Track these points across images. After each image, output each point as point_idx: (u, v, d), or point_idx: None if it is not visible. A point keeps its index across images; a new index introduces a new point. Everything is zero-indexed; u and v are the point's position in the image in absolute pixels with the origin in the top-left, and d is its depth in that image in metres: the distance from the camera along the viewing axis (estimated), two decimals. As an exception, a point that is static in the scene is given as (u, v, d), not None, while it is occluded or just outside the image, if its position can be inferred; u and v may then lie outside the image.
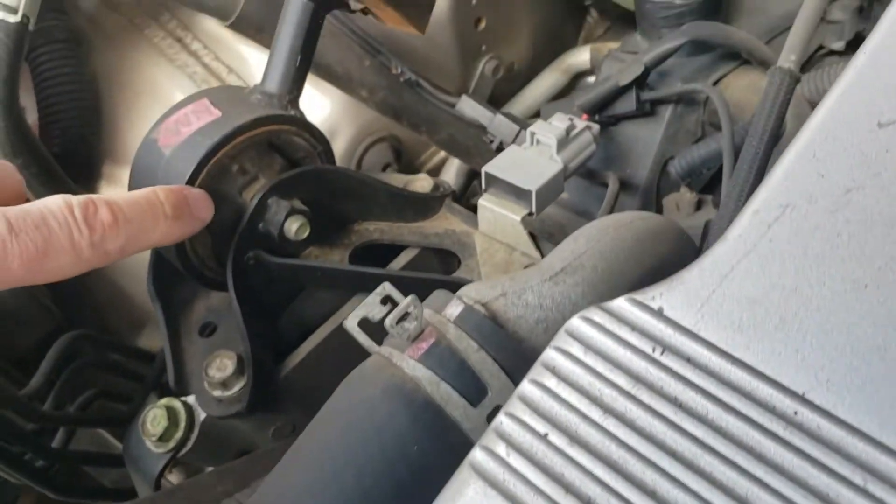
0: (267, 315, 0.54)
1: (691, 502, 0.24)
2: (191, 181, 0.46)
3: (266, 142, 0.50)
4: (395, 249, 0.56)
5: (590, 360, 0.29)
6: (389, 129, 0.76)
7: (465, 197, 0.80)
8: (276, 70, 0.51)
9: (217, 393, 0.52)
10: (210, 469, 0.54)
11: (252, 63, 0.73)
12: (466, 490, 0.28)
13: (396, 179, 0.57)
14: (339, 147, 0.75)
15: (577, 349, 0.29)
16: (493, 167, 0.51)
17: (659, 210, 0.57)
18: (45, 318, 0.63)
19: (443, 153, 0.82)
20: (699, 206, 0.55)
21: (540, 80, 0.81)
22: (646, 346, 0.28)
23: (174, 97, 0.72)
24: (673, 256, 0.40)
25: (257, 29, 0.59)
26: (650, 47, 0.54)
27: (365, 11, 0.51)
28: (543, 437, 0.28)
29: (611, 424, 0.27)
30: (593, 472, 0.26)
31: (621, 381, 0.28)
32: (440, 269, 0.58)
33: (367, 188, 0.53)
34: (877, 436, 0.24)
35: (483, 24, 0.75)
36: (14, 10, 0.52)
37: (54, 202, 0.35)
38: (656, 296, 0.29)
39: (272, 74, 0.51)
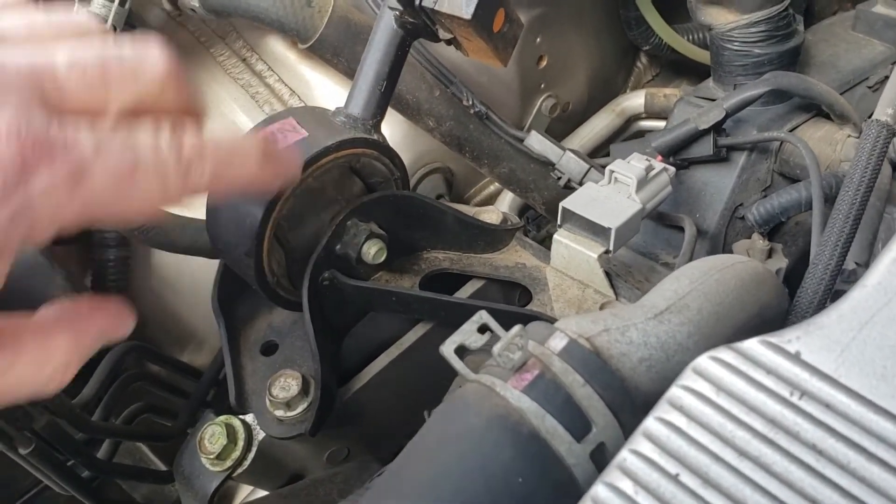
0: (334, 337, 0.53)
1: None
2: (274, 203, 0.46)
3: (348, 164, 0.50)
4: (462, 279, 0.56)
5: (722, 400, 0.28)
6: (444, 160, 0.76)
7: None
8: (361, 94, 0.51)
9: (280, 413, 0.51)
10: (271, 492, 0.53)
11: (314, 86, 0.73)
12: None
13: (466, 210, 0.57)
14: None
15: (707, 389, 0.28)
16: (571, 203, 0.50)
17: (728, 252, 0.56)
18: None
19: (492, 187, 0.82)
20: (770, 254, 0.54)
21: (595, 121, 0.82)
22: (783, 390, 0.27)
23: (236, 115, 0.72)
24: (772, 302, 0.39)
25: (334, 53, 0.59)
26: (730, 94, 0.54)
27: (450, 42, 0.51)
28: (674, 478, 0.27)
29: (746, 468, 0.26)
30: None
31: (756, 423, 0.27)
32: (504, 302, 0.57)
33: (442, 217, 0.53)
34: None
35: (544, 63, 0.75)
36: (105, 19, 0.52)
37: (143, 127, 0.31)
38: (793, 339, 0.28)
39: (357, 98, 0.51)
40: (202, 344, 0.73)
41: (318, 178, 0.48)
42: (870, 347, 0.27)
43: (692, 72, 0.87)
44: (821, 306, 0.41)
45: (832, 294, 0.42)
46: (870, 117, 0.60)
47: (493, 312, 0.36)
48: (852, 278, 0.46)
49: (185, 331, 0.74)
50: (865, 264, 0.49)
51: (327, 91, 0.69)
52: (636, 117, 0.83)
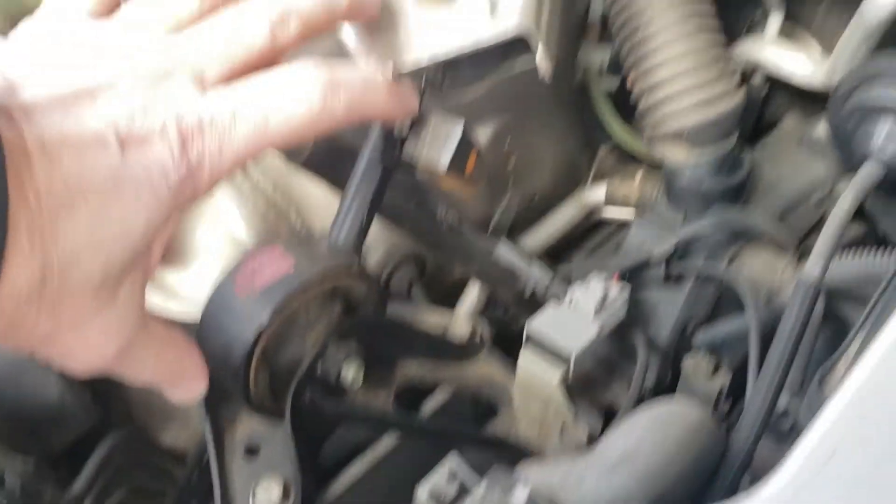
0: (312, 446, 0.57)
1: None
2: (267, 328, 0.50)
3: (331, 289, 0.53)
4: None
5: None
6: (415, 249, 0.80)
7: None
8: (345, 222, 0.55)
9: (261, 515, 0.54)
10: None
11: (302, 194, 0.77)
12: None
13: (438, 317, 0.61)
14: (369, 266, 0.78)
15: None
16: (535, 326, 0.55)
17: (677, 368, 0.61)
18: (86, 416, 0.65)
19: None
20: (715, 371, 0.59)
21: (559, 214, 0.87)
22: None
23: (235, 218, 0.75)
24: (710, 448, 0.44)
25: (320, 168, 0.63)
26: (679, 229, 0.59)
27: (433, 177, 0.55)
28: None
29: None
30: None
31: None
32: (472, 408, 0.61)
33: (413, 335, 0.57)
34: None
35: (512, 163, 0.80)
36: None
37: (276, 74, 0.37)
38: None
39: (341, 225, 0.55)
40: (186, 424, 0.77)
41: (303, 305, 0.52)
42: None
43: (655, 169, 0.92)
44: (754, 447, 0.46)
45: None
46: (806, 239, 0.66)
47: (459, 434, 0.40)
48: (785, 423, 0.51)
49: (170, 412, 0.77)
50: (800, 393, 0.54)
51: (314, 198, 0.74)
52: (597, 209, 0.88)
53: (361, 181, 0.55)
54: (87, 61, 0.35)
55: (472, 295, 0.83)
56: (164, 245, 0.39)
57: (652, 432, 0.42)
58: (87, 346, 0.36)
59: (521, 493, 0.39)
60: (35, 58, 0.35)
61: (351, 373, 0.53)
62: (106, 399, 0.74)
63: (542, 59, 0.52)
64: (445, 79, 0.54)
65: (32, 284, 0.31)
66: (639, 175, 0.92)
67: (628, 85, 0.64)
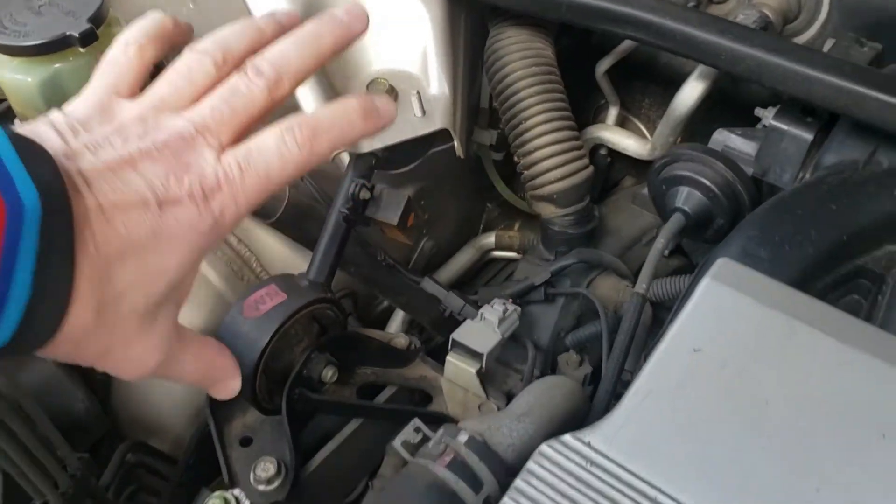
0: (297, 432, 0.73)
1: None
2: (267, 345, 0.67)
3: (312, 314, 0.71)
4: (381, 386, 0.78)
5: (553, 469, 0.52)
6: (351, 286, 0.98)
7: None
8: (319, 265, 0.73)
9: (261, 487, 0.70)
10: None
11: (253, 233, 0.94)
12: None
13: (382, 336, 0.80)
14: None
15: (545, 462, 0.52)
16: (457, 335, 0.74)
17: (554, 364, 0.82)
18: (102, 425, 0.79)
19: (385, 304, 1.05)
20: (580, 363, 0.81)
21: (461, 255, 1.07)
22: (582, 461, 0.51)
23: (206, 264, 0.91)
24: (580, 407, 0.64)
25: (289, 226, 0.81)
26: (553, 262, 0.81)
27: (381, 229, 0.75)
28: (531, 510, 0.51)
29: (563, 499, 0.50)
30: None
31: (570, 479, 0.51)
32: (410, 401, 0.80)
33: (370, 344, 0.76)
34: None
35: (426, 218, 1.00)
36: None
37: (266, 138, 0.42)
38: (586, 434, 0.53)
39: (317, 266, 0.73)
40: (168, 434, 0.91)
41: (293, 326, 0.69)
42: (628, 436, 0.52)
43: (531, 218, 1.15)
44: (607, 408, 0.67)
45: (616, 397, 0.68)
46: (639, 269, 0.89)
47: (407, 412, 0.58)
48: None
49: (154, 423, 0.91)
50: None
51: (272, 249, 0.91)
52: (489, 250, 1.09)
53: (330, 233, 0.73)
54: (128, 133, 0.40)
55: (398, 320, 1.02)
56: (195, 273, 0.45)
57: (544, 394, 0.62)
58: (134, 359, 0.42)
59: (463, 435, 0.58)
60: (87, 131, 0.39)
61: (329, 374, 0.71)
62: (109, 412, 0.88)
63: (457, 144, 0.73)
64: (389, 157, 0.75)
65: (91, 315, 0.37)
66: (517, 225, 1.15)
67: (514, 159, 0.86)
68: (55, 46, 0.66)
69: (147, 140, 0.40)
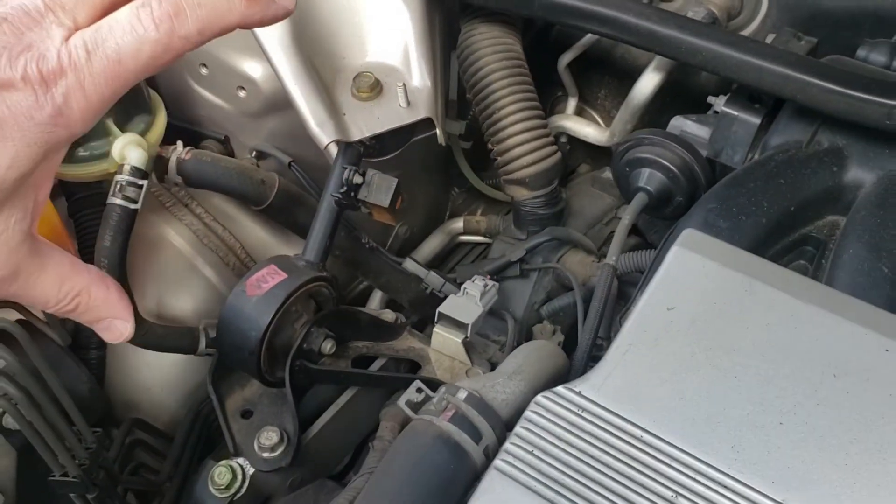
0: (297, 401, 0.77)
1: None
2: (272, 321, 0.70)
3: (309, 292, 0.75)
4: (373, 357, 0.83)
5: (549, 416, 0.57)
6: (332, 270, 1.02)
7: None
8: (314, 246, 0.76)
9: (265, 455, 0.74)
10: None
11: (238, 221, 0.97)
12: (494, 485, 0.55)
13: (373, 312, 0.84)
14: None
15: (541, 411, 0.58)
16: (443, 308, 0.79)
17: (529, 333, 0.88)
18: (102, 405, 0.81)
19: (362, 286, 1.09)
20: (554, 332, 0.87)
21: (432, 239, 1.12)
22: (574, 408, 0.57)
23: (196, 260, 0.94)
24: (562, 366, 0.70)
25: (278, 213, 0.84)
26: (527, 240, 0.87)
27: (370, 213, 0.79)
28: (531, 452, 0.56)
29: (560, 443, 0.56)
30: (557, 467, 0.55)
31: (563, 423, 0.56)
32: (398, 369, 0.85)
33: (362, 319, 0.80)
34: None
35: (401, 204, 1.04)
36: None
37: (119, 15, 0.36)
38: (577, 384, 0.58)
39: (311, 248, 0.76)
40: (161, 414, 0.92)
41: (293, 303, 0.73)
42: (614, 385, 0.58)
43: (492, 202, 1.21)
44: (585, 368, 0.73)
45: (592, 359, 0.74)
46: (602, 246, 0.96)
47: (401, 379, 0.63)
48: (601, 351, 0.79)
49: (147, 404, 0.92)
50: (608, 338, 0.82)
51: (256, 237, 0.94)
52: (458, 234, 1.14)
53: (324, 217, 0.77)
54: None
55: (375, 301, 1.06)
56: (51, 180, 0.39)
57: (531, 355, 0.67)
58: None
59: (462, 392, 0.63)
60: None
61: (328, 347, 0.75)
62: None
63: (440, 132, 0.78)
64: (375, 146, 0.79)
65: None
66: (480, 210, 1.21)
67: (489, 146, 0.91)
68: None
69: None
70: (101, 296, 0.42)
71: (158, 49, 0.36)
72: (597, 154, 1.12)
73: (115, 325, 0.44)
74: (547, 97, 1.11)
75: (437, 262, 1.13)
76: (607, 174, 1.03)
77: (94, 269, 0.43)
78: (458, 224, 1.13)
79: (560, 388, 0.57)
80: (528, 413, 0.56)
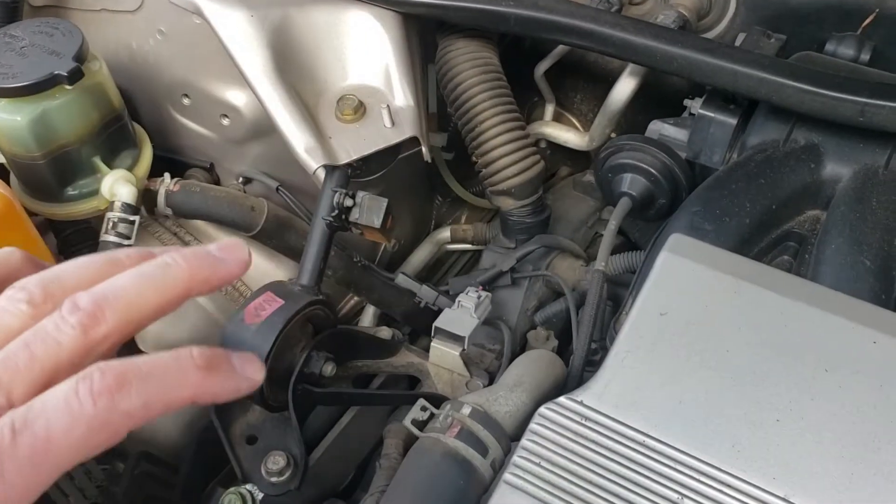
0: (301, 422, 0.77)
1: (612, 480, 0.55)
2: (272, 347, 0.71)
3: (306, 316, 0.75)
4: (373, 375, 0.83)
5: (553, 427, 0.58)
6: (322, 290, 1.03)
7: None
8: (308, 270, 0.77)
9: (274, 479, 0.74)
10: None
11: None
12: (505, 498, 0.55)
13: (368, 331, 0.85)
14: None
15: (545, 422, 0.59)
16: (440, 322, 0.80)
17: (524, 340, 0.89)
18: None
19: (353, 302, 1.10)
20: (548, 338, 0.88)
21: (420, 251, 1.13)
22: (576, 417, 0.58)
23: None
24: (560, 374, 0.71)
25: (268, 238, 0.84)
26: (517, 249, 0.88)
27: (361, 233, 0.79)
28: (538, 464, 0.57)
29: (566, 453, 0.57)
30: (565, 477, 0.55)
31: (567, 433, 0.57)
32: (397, 385, 0.85)
33: (360, 338, 0.80)
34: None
35: (391, 222, 1.04)
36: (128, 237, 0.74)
37: (55, 389, 0.33)
38: (577, 394, 0.59)
39: (306, 272, 0.77)
40: (163, 445, 0.93)
41: (292, 328, 0.73)
42: (614, 392, 0.59)
43: (475, 208, 1.22)
44: (581, 375, 0.74)
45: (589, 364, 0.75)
46: (588, 248, 0.97)
47: (403, 396, 0.64)
48: (595, 355, 0.80)
49: (149, 435, 0.93)
50: (602, 339, 0.83)
51: (255, 265, 0.93)
52: (445, 243, 1.15)
53: (316, 240, 0.78)
54: None
55: (368, 317, 1.07)
56: None
57: (530, 366, 0.68)
58: None
59: (466, 408, 0.64)
60: None
61: (328, 370, 0.75)
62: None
63: (425, 150, 0.79)
64: (363, 167, 0.80)
65: None
66: (463, 217, 1.22)
67: (472, 159, 0.92)
68: (44, 86, 0.68)
69: None
70: None
71: (95, 425, 0.33)
72: (576, 156, 1.13)
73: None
74: (523, 103, 1.12)
75: (427, 272, 1.14)
76: (588, 177, 1.04)
77: None
78: (446, 234, 1.14)
79: (562, 399, 0.58)
80: (533, 425, 0.57)
